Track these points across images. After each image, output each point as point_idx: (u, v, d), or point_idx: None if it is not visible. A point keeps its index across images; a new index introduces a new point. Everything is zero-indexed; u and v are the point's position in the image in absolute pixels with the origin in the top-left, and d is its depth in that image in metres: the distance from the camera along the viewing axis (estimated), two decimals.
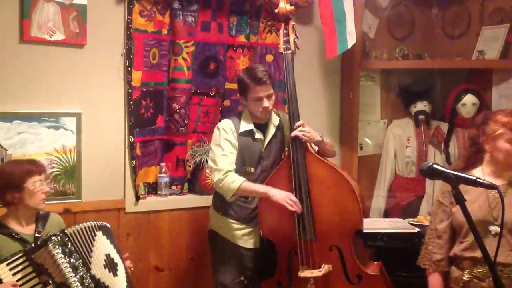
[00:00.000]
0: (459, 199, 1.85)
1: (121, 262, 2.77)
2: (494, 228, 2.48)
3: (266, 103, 3.13)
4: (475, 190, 2.03)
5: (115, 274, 2.71)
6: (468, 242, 2.57)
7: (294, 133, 3.13)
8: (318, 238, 3.09)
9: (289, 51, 3.25)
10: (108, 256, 2.72)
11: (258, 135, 3.22)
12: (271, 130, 3.27)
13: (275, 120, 3.31)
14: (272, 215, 3.16)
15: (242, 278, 3.17)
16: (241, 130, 3.19)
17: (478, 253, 2.48)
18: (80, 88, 3.30)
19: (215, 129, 3.23)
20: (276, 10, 3.36)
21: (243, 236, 3.24)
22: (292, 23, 3.32)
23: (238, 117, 3.25)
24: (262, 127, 3.25)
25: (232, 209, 3.23)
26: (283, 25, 3.32)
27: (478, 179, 1.85)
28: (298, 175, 3.10)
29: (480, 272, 2.54)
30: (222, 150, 3.12)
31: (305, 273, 3.04)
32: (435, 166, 1.94)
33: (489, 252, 2.34)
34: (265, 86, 3.12)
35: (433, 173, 1.95)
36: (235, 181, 3.04)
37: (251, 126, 3.21)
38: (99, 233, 2.75)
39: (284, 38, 3.28)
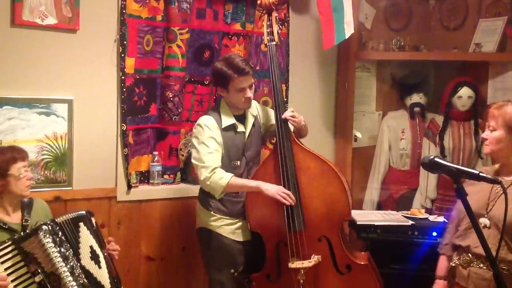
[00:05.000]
0: (461, 193, 1.82)
1: (101, 254, 2.74)
2: (484, 221, 2.49)
3: (249, 93, 3.11)
4: (481, 183, 2.00)
5: (99, 267, 2.69)
6: (460, 231, 2.61)
7: (285, 115, 3.11)
8: (307, 229, 3.08)
9: (273, 43, 3.24)
10: (91, 247, 2.69)
11: (240, 128, 3.19)
12: (250, 120, 3.25)
13: (252, 109, 3.28)
14: (260, 208, 3.14)
15: (232, 270, 3.12)
16: (223, 125, 3.14)
17: (464, 242, 2.56)
18: (72, 74, 3.25)
19: (197, 126, 3.14)
20: (258, 2, 3.33)
21: (236, 230, 3.21)
22: (275, 14, 3.29)
23: (217, 112, 3.18)
24: (241, 118, 3.22)
25: (223, 205, 3.18)
26: (266, 16, 3.30)
27: (480, 173, 1.83)
28: (285, 167, 3.08)
29: (464, 260, 2.56)
30: (208, 148, 3.04)
31: (295, 264, 3.04)
32: (437, 159, 1.92)
33: (476, 243, 2.39)
34: (248, 76, 3.09)
35: (434, 166, 1.94)
36: (223, 177, 2.98)
37: (233, 120, 3.16)
38: (81, 224, 2.70)
39: (268, 30, 3.26)
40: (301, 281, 3.02)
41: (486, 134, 2.55)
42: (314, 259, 3.05)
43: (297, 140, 3.18)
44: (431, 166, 1.94)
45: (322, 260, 3.09)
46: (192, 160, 3.11)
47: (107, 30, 3.33)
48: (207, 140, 3.05)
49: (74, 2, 3.19)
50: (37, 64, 3.14)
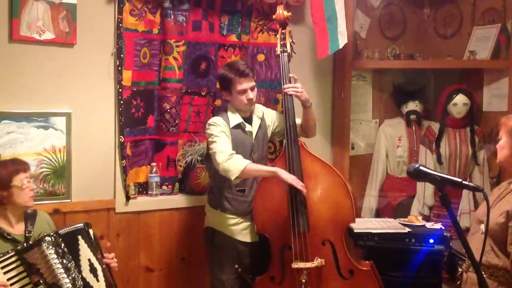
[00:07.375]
0: (445, 201, 1.85)
1: (99, 267, 2.76)
2: (482, 227, 2.53)
3: (250, 94, 3.24)
4: (499, 191, 2.05)
5: (97, 280, 2.71)
6: None
7: (288, 91, 3.24)
8: (311, 232, 3.15)
9: (286, 54, 3.37)
10: (89, 260, 2.71)
11: (247, 128, 3.30)
12: (256, 122, 3.36)
13: (258, 112, 3.40)
14: (267, 210, 3.23)
15: (236, 266, 3.15)
16: (231, 124, 3.25)
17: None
18: (70, 87, 3.29)
19: (207, 126, 3.26)
20: (274, 16, 3.48)
21: (242, 231, 3.30)
22: (289, 28, 3.44)
23: (225, 113, 3.30)
24: (248, 120, 3.33)
25: (230, 204, 3.28)
26: (280, 29, 3.43)
27: (463, 182, 1.86)
28: (293, 171, 3.17)
29: (466, 265, 2.61)
30: (221, 139, 3.17)
31: (298, 265, 3.11)
32: (421, 167, 1.95)
33: (472, 249, 2.40)
34: (249, 78, 3.24)
35: (419, 175, 1.96)
36: (241, 161, 3.08)
37: (240, 120, 3.28)
38: (80, 237, 2.72)
39: (281, 42, 3.40)
40: (303, 281, 3.07)
41: (498, 144, 2.60)
42: (317, 262, 3.12)
43: (304, 146, 3.28)
44: (416, 174, 1.97)
45: (325, 264, 3.15)
46: (210, 151, 3.21)
47: (104, 44, 3.37)
48: (219, 133, 3.18)
49: (71, 17, 3.24)
50: (35, 79, 3.19)
